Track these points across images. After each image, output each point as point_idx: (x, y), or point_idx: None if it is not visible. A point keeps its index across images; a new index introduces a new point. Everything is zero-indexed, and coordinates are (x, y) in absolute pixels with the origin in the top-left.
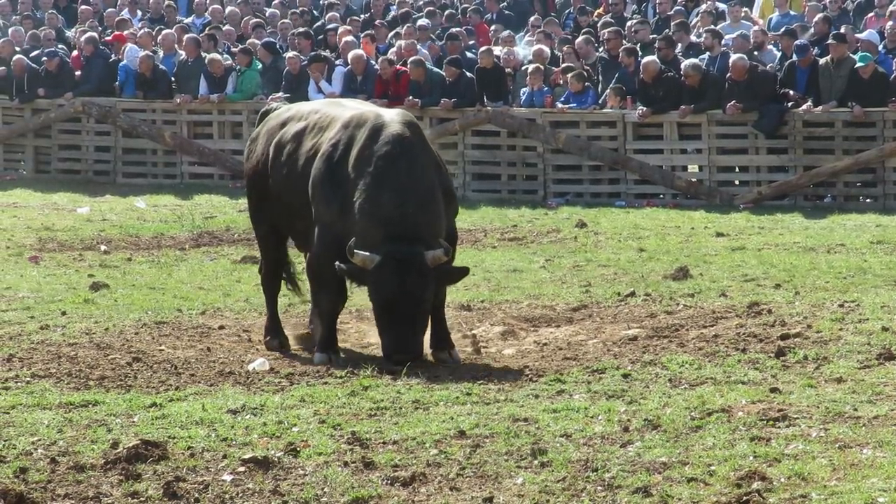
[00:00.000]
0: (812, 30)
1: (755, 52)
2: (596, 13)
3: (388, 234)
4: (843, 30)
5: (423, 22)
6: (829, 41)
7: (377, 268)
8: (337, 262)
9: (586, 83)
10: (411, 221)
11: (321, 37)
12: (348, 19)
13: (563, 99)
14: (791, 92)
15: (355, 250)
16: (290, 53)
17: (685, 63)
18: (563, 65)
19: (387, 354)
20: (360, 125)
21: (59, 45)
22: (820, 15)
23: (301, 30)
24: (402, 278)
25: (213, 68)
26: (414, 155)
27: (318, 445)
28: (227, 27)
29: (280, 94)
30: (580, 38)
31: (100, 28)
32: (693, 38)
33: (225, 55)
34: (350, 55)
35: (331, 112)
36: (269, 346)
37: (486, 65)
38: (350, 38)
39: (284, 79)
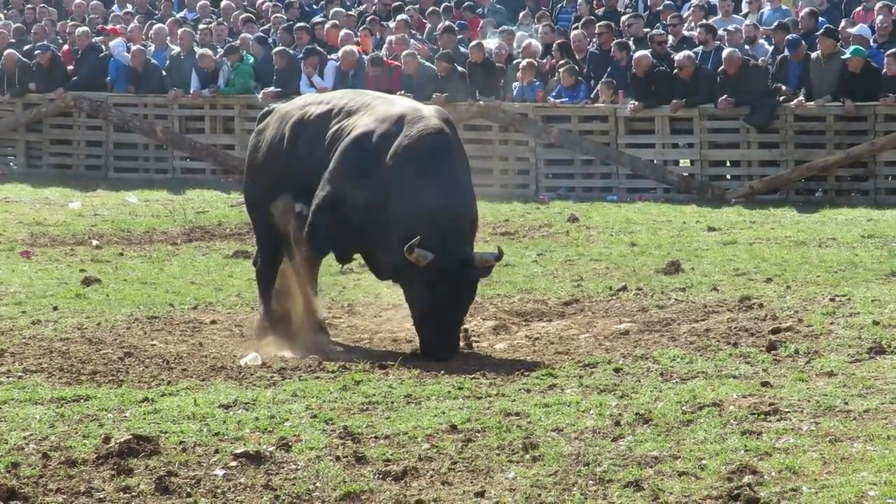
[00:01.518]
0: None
1: (747, 47)
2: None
3: (436, 233)
4: (842, 24)
5: (403, 16)
6: (818, 36)
7: (435, 267)
8: (417, 250)
9: (578, 77)
10: (459, 224)
11: (313, 32)
12: (345, 14)
13: (554, 93)
14: (783, 87)
15: (416, 248)
16: (277, 48)
17: (678, 55)
18: (558, 61)
19: (430, 352)
20: (399, 118)
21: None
22: (806, 9)
23: (299, 24)
24: (456, 280)
25: (203, 63)
26: (457, 155)
27: (310, 440)
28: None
29: (272, 88)
30: (577, 31)
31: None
32: (685, 32)
33: (219, 49)
34: (341, 51)
35: (360, 100)
36: (261, 339)
37: (476, 59)
38: (345, 31)
39: (275, 73)
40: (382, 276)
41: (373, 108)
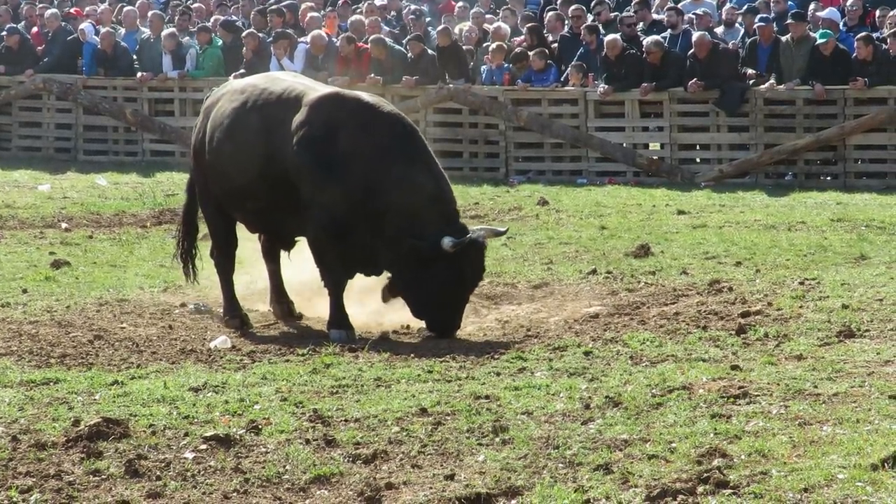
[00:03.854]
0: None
1: (717, 30)
2: None
3: (442, 215)
4: (812, 7)
5: (381, 1)
6: (789, 20)
7: (467, 251)
8: (447, 240)
9: (549, 61)
10: (451, 198)
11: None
12: None
13: (524, 77)
14: (751, 71)
15: (451, 240)
16: (247, 31)
17: (647, 40)
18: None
19: (442, 330)
20: (334, 105)
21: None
22: None
23: (273, 7)
24: (483, 258)
25: (166, 44)
26: (417, 132)
27: (280, 423)
28: (196, 4)
29: (242, 71)
30: (550, 14)
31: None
32: (655, 15)
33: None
34: (310, 36)
35: (273, 88)
36: (229, 326)
37: (443, 43)
38: (313, 14)
39: (245, 56)
40: (380, 267)
41: (292, 98)
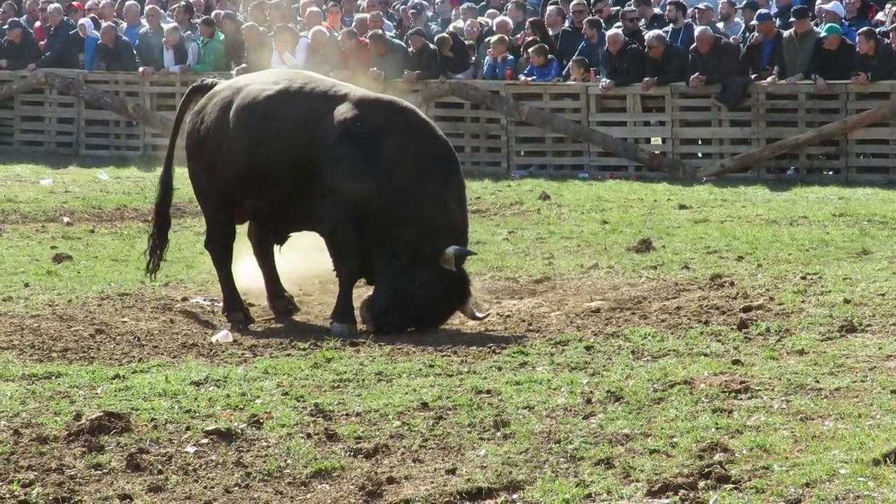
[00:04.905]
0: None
1: (719, 25)
2: None
3: (448, 234)
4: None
5: None
6: (792, 16)
7: (457, 277)
8: (451, 249)
9: (549, 56)
10: (467, 236)
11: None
12: None
13: (525, 72)
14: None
15: (456, 249)
16: (246, 24)
17: (649, 34)
18: (528, 39)
19: (383, 324)
20: (390, 110)
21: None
22: None
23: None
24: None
25: (168, 38)
26: (460, 168)
27: (282, 417)
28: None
29: (243, 65)
30: (551, 8)
31: None
32: (657, 10)
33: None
34: (311, 32)
35: (317, 83)
36: (231, 321)
37: (417, 46)
38: (313, 9)
39: (246, 51)
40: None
41: (340, 94)
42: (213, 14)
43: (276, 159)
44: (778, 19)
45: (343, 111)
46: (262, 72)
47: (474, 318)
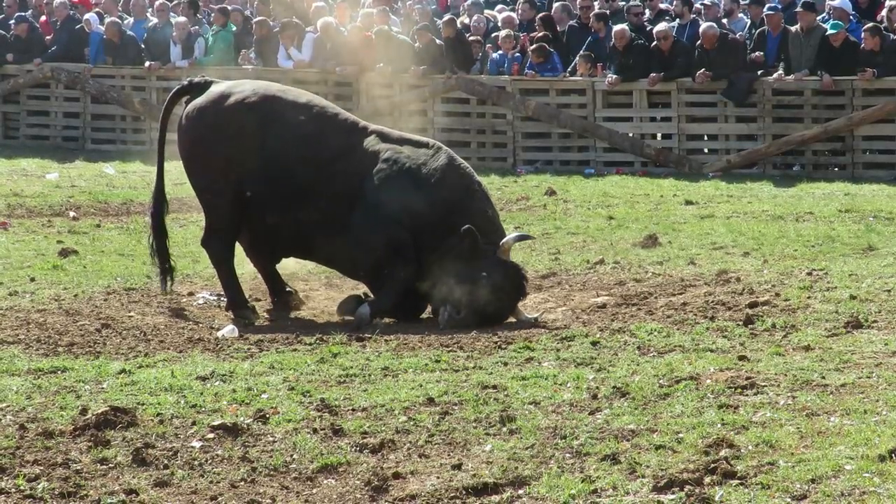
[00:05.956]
0: None
1: (724, 21)
2: None
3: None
4: None
5: None
6: (798, 10)
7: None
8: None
9: (550, 50)
10: None
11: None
12: None
13: (527, 69)
14: (759, 53)
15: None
16: (257, 18)
17: (658, 27)
18: (536, 35)
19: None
20: (432, 149)
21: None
22: None
23: None
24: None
25: (177, 31)
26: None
27: (288, 412)
28: None
29: (252, 54)
30: (557, 5)
31: None
32: (662, 5)
33: (203, 20)
34: (319, 23)
35: (340, 111)
36: (238, 317)
37: (448, 34)
38: (319, 4)
39: (255, 44)
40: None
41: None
42: (226, 2)
43: (313, 182)
44: (783, 14)
45: (374, 142)
46: (273, 84)
47: (526, 319)
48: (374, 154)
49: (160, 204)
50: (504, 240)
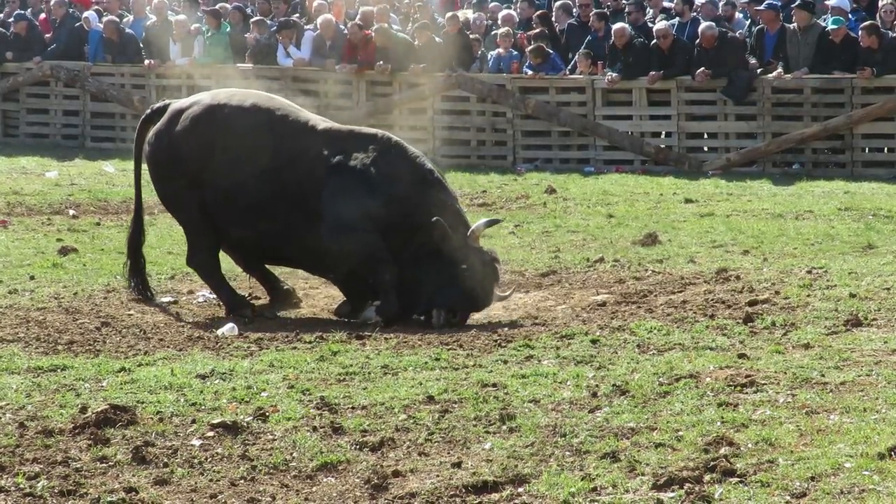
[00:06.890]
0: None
1: (724, 20)
2: None
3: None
4: None
5: None
6: (794, 8)
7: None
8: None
9: (549, 51)
10: None
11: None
12: None
13: (527, 66)
14: (754, 61)
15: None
16: (255, 18)
17: (658, 25)
18: (533, 33)
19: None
20: (380, 143)
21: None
22: None
23: None
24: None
25: (177, 30)
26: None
27: (287, 410)
28: None
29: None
30: (557, 4)
31: None
32: (665, 3)
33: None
34: (319, 20)
35: (291, 110)
36: (237, 317)
37: (451, 30)
38: (320, 0)
39: (251, 43)
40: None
41: (331, 131)
42: (218, 6)
43: (269, 194)
44: (781, 13)
45: (323, 144)
46: (222, 91)
47: (499, 298)
48: (326, 157)
49: (138, 234)
50: (474, 227)
